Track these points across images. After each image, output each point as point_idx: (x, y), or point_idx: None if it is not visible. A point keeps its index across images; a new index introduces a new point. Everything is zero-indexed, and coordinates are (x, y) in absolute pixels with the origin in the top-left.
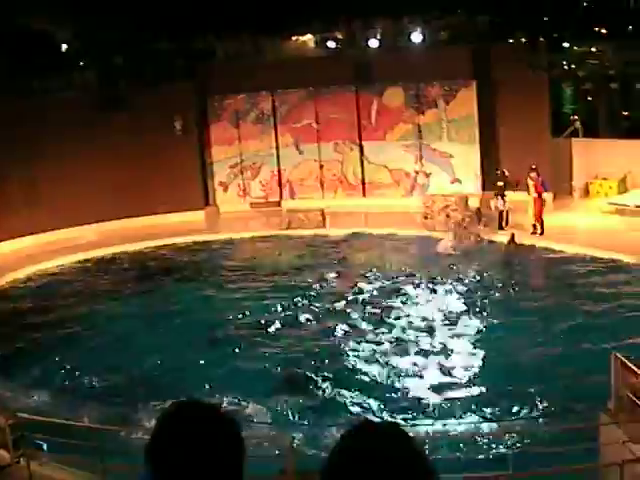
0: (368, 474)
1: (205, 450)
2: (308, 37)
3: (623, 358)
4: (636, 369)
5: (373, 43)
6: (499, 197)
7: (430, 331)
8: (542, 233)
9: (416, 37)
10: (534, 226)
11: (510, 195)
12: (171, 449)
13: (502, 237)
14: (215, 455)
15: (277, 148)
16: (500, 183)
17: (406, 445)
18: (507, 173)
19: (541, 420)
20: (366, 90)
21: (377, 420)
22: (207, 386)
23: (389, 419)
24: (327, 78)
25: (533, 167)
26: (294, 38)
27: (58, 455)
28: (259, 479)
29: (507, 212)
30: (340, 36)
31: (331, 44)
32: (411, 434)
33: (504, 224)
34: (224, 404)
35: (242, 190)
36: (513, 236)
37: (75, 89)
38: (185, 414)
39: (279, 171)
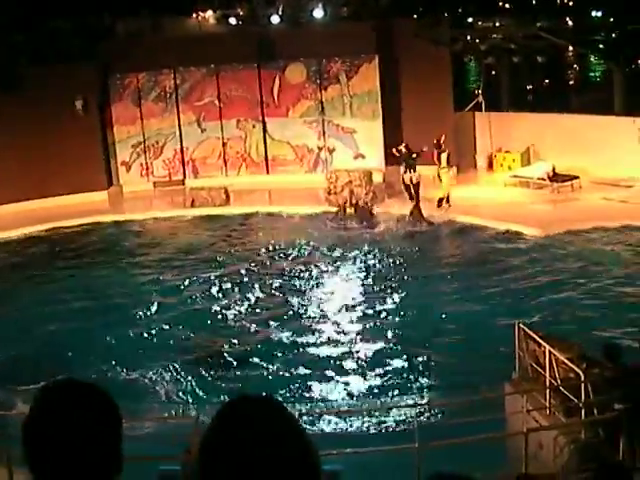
0: (240, 445)
1: (78, 430)
2: (209, 14)
3: (526, 328)
4: (539, 338)
5: (275, 19)
6: (409, 170)
7: (332, 308)
8: (439, 205)
9: (318, 13)
10: (440, 200)
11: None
12: (42, 431)
13: (406, 210)
14: (89, 435)
15: (179, 126)
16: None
17: (280, 417)
18: (402, 149)
19: (446, 391)
20: (268, 67)
21: (254, 394)
22: (111, 364)
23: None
24: (229, 55)
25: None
26: (195, 15)
27: None
28: (162, 459)
29: (417, 185)
30: (241, 12)
31: (232, 21)
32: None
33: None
34: (133, 379)
35: (145, 169)
36: (417, 208)
37: None
38: (57, 393)
39: (182, 150)
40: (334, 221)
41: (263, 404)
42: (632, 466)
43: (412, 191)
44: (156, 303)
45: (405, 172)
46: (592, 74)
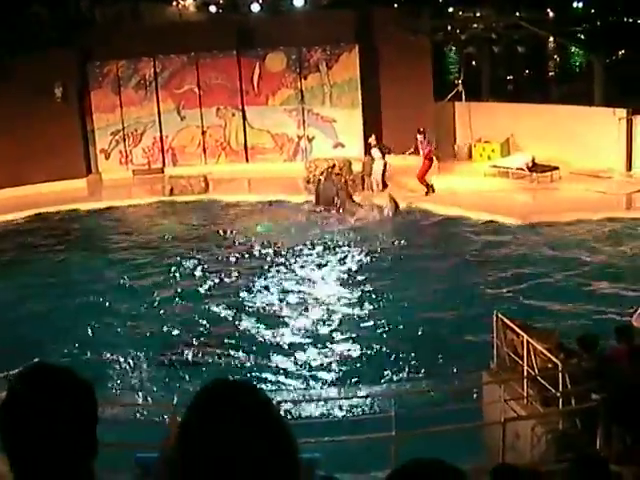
0: (218, 430)
1: (53, 415)
2: (189, 1)
3: (504, 317)
4: (517, 328)
5: (255, 7)
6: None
7: (312, 296)
8: (427, 194)
9: (298, 1)
10: (429, 186)
11: (394, 159)
12: (18, 415)
13: (382, 200)
14: (64, 419)
15: (159, 114)
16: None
17: (258, 402)
18: (372, 141)
19: (424, 380)
20: (248, 55)
21: (231, 379)
22: (87, 350)
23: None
24: (209, 43)
25: (420, 130)
26: (175, 2)
27: None
28: (140, 446)
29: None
30: (221, 0)
31: (212, 8)
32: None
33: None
34: (109, 366)
35: (124, 157)
36: (393, 198)
37: None
38: (32, 378)
39: (161, 138)
40: (313, 209)
41: (240, 389)
42: (608, 456)
43: (384, 179)
44: (133, 290)
45: (385, 161)
46: (573, 65)
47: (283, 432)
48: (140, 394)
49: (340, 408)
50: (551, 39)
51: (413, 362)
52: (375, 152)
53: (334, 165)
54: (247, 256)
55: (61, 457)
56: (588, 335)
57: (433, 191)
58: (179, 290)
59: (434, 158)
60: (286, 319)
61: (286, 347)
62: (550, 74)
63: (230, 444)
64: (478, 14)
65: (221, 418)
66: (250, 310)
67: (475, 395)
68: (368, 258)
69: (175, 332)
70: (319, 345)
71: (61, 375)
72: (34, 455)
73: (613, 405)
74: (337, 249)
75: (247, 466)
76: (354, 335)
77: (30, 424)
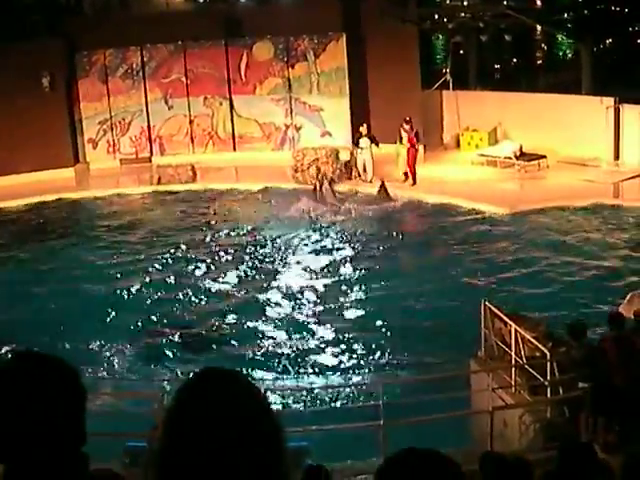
0: (204, 421)
1: (41, 403)
2: None
3: (492, 306)
4: (504, 317)
5: None
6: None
7: (296, 285)
8: (414, 184)
9: None
10: (405, 174)
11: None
12: (4, 403)
13: (371, 188)
14: (52, 407)
15: (146, 103)
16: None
17: (245, 391)
18: (363, 130)
19: (411, 369)
20: (235, 44)
21: (218, 368)
22: (74, 339)
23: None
24: (196, 32)
25: (407, 119)
26: None
27: None
28: (129, 435)
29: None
30: None
31: None
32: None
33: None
34: (95, 355)
35: (112, 146)
36: (383, 184)
37: None
38: (19, 365)
39: (149, 127)
40: (302, 198)
41: (228, 378)
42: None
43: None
44: (121, 279)
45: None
46: (560, 54)
47: (270, 423)
48: (127, 383)
49: (328, 397)
50: (538, 28)
51: (400, 351)
52: (364, 142)
53: (324, 177)
54: (230, 243)
55: (50, 446)
56: (577, 323)
57: (414, 183)
58: (167, 276)
59: (418, 146)
60: (276, 308)
61: (274, 335)
62: (538, 63)
63: (214, 438)
64: (465, 3)
65: (205, 410)
66: (237, 299)
67: (463, 384)
68: (357, 247)
69: (164, 321)
70: (307, 335)
71: (48, 362)
72: (23, 444)
73: (599, 394)
74: (327, 239)
75: (232, 459)
76: (341, 324)
77: (17, 412)
